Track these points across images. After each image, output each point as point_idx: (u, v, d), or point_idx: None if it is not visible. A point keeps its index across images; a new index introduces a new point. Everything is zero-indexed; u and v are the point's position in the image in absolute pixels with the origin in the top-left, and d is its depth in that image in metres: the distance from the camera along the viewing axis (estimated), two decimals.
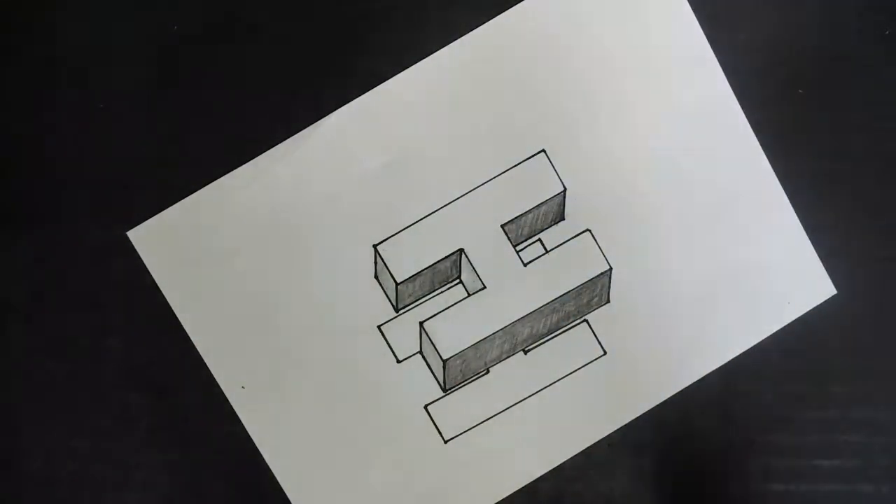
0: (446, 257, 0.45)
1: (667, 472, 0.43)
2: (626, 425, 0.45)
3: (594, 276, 0.45)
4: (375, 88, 0.45)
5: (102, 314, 0.45)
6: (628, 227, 0.46)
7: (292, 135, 0.45)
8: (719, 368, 0.46)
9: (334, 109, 0.45)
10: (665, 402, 0.46)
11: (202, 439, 0.45)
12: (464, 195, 0.45)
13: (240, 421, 0.45)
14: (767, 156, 0.46)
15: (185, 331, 0.45)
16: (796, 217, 0.46)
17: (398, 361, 0.45)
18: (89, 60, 0.45)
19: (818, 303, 0.46)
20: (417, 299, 0.45)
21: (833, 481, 0.46)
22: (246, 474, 0.45)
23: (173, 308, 0.45)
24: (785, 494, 0.46)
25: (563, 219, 0.46)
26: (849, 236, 0.46)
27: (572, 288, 0.45)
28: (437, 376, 0.45)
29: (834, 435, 0.46)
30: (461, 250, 0.45)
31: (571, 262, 0.45)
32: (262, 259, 0.45)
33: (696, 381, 0.46)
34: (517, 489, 0.46)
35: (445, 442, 0.45)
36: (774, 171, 0.46)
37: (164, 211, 0.45)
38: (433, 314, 0.45)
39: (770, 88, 0.46)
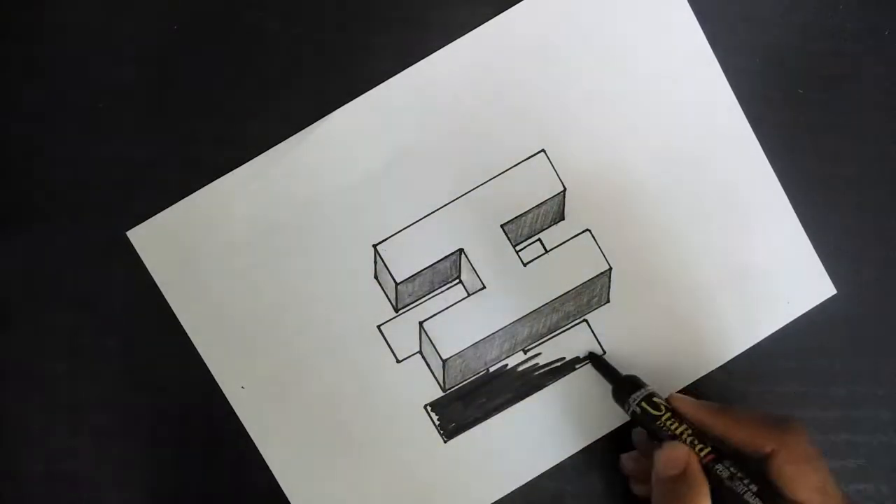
0: (446, 257, 0.45)
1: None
2: (625, 424, 0.45)
3: (594, 275, 0.45)
4: (375, 88, 0.45)
5: (102, 314, 0.45)
6: (628, 227, 0.46)
7: (292, 135, 0.45)
8: (719, 368, 0.46)
9: (334, 109, 0.45)
10: None
11: (202, 439, 0.45)
12: (464, 195, 0.45)
13: (240, 421, 0.45)
14: (767, 156, 0.46)
15: (185, 331, 0.45)
16: (796, 217, 0.46)
17: (398, 361, 0.45)
18: (89, 60, 0.45)
19: (818, 303, 0.46)
20: (417, 299, 0.45)
21: None
22: (245, 473, 0.45)
23: (173, 308, 0.45)
24: None
25: (563, 219, 0.46)
26: (849, 236, 0.46)
27: (572, 288, 0.45)
28: (437, 376, 0.45)
29: (834, 435, 0.46)
30: (461, 250, 0.45)
31: (571, 262, 0.45)
32: (261, 259, 0.45)
33: (696, 381, 0.46)
34: (517, 488, 0.46)
35: (445, 442, 0.45)
36: (774, 171, 0.46)
37: (164, 211, 0.45)
38: (433, 314, 0.45)
39: (770, 88, 0.46)
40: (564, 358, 0.46)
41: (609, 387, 0.44)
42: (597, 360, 0.45)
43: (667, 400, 0.41)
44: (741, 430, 0.38)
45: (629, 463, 0.43)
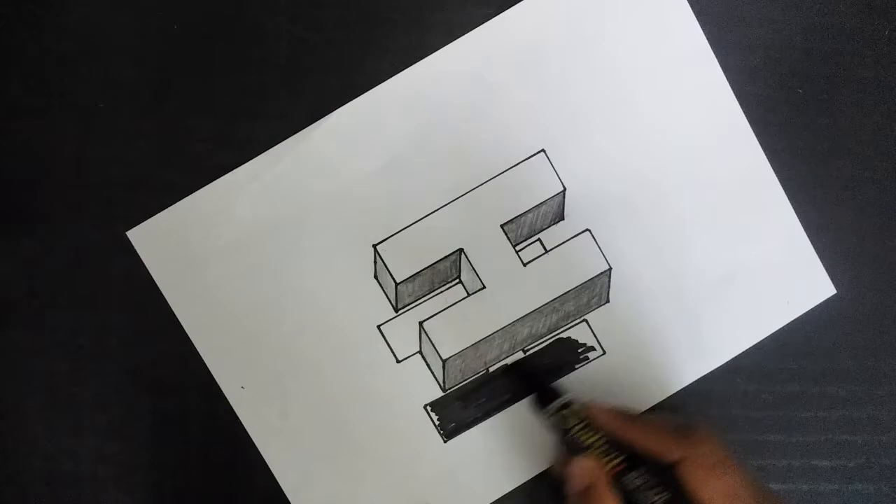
0: (446, 257, 0.45)
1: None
2: None
3: (594, 276, 0.45)
4: (375, 88, 0.45)
5: (102, 314, 0.45)
6: (628, 227, 0.46)
7: (292, 135, 0.45)
8: (719, 368, 0.46)
9: (334, 109, 0.45)
10: (664, 401, 0.46)
11: (202, 439, 0.45)
12: (464, 195, 0.45)
13: (240, 421, 0.45)
14: (767, 156, 0.46)
15: (185, 331, 0.45)
16: (796, 217, 0.46)
17: (398, 361, 0.45)
18: (89, 60, 0.45)
19: (818, 303, 0.46)
20: (417, 299, 0.45)
21: (833, 481, 0.46)
22: (245, 474, 0.45)
23: (173, 308, 0.45)
24: (785, 494, 0.46)
25: (563, 219, 0.46)
26: (849, 236, 0.46)
27: (572, 288, 0.45)
28: (437, 376, 0.45)
29: (834, 435, 0.46)
30: (461, 250, 0.45)
31: (571, 262, 0.45)
32: (261, 259, 0.45)
33: (696, 381, 0.46)
34: (517, 488, 0.46)
35: (445, 442, 0.45)
36: (774, 171, 0.46)
37: (164, 211, 0.45)
38: (433, 314, 0.45)
39: (770, 88, 0.46)
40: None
41: (616, 386, 0.44)
42: (518, 369, 0.45)
43: (583, 408, 0.41)
44: (649, 439, 0.39)
45: (558, 469, 0.43)
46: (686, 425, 0.39)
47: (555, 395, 0.43)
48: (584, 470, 0.39)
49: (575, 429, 0.40)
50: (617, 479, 0.39)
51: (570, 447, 0.41)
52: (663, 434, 0.39)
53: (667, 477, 0.38)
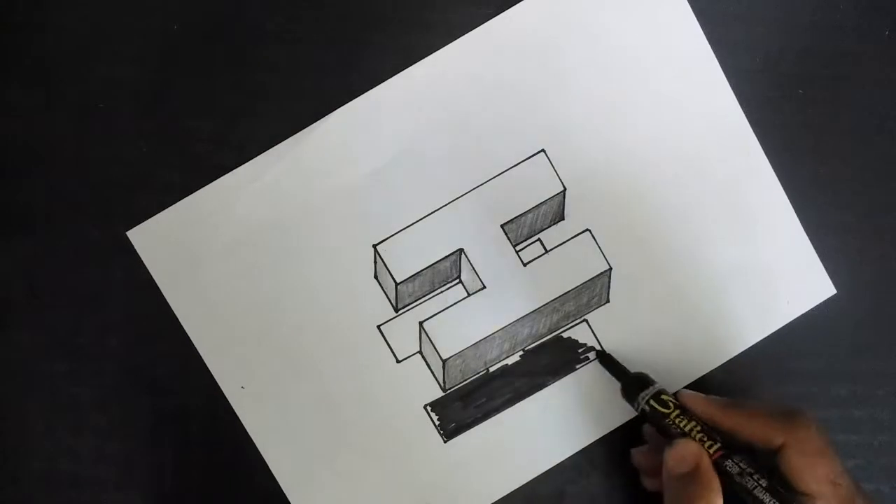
0: (446, 257, 0.45)
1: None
2: (625, 424, 0.45)
3: (594, 275, 0.45)
4: (375, 88, 0.45)
5: (102, 314, 0.45)
6: (628, 227, 0.46)
7: (292, 135, 0.45)
8: (719, 368, 0.46)
9: (334, 109, 0.45)
10: None
11: (202, 439, 0.45)
12: (464, 195, 0.45)
13: (240, 421, 0.45)
14: (767, 156, 0.46)
15: (185, 331, 0.45)
16: (796, 217, 0.46)
17: (398, 361, 0.45)
18: (89, 60, 0.45)
19: (818, 303, 0.46)
20: (417, 299, 0.45)
21: None
22: (245, 474, 0.45)
23: (173, 308, 0.45)
24: None
25: (563, 219, 0.46)
26: (849, 236, 0.46)
27: (572, 288, 0.45)
28: (437, 376, 0.45)
29: (834, 435, 0.46)
30: (461, 250, 0.45)
31: (571, 262, 0.45)
32: (261, 259, 0.45)
33: (696, 381, 0.46)
34: (517, 488, 0.46)
35: (445, 442, 0.45)
36: (774, 171, 0.46)
37: (164, 211, 0.45)
38: (433, 314, 0.45)
39: (770, 88, 0.46)
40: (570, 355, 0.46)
41: (615, 385, 0.44)
42: (605, 358, 0.45)
43: (675, 396, 0.41)
44: (751, 425, 0.38)
45: (639, 457, 0.43)
46: (786, 409, 0.39)
47: (643, 384, 0.42)
48: (688, 453, 0.38)
49: (671, 416, 0.40)
50: (715, 465, 0.38)
51: (666, 435, 0.40)
52: (765, 419, 0.38)
53: (760, 463, 0.38)
